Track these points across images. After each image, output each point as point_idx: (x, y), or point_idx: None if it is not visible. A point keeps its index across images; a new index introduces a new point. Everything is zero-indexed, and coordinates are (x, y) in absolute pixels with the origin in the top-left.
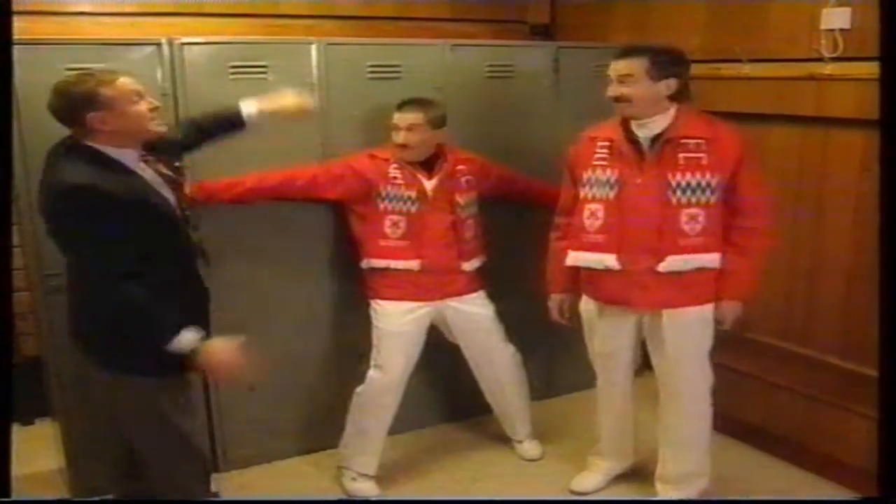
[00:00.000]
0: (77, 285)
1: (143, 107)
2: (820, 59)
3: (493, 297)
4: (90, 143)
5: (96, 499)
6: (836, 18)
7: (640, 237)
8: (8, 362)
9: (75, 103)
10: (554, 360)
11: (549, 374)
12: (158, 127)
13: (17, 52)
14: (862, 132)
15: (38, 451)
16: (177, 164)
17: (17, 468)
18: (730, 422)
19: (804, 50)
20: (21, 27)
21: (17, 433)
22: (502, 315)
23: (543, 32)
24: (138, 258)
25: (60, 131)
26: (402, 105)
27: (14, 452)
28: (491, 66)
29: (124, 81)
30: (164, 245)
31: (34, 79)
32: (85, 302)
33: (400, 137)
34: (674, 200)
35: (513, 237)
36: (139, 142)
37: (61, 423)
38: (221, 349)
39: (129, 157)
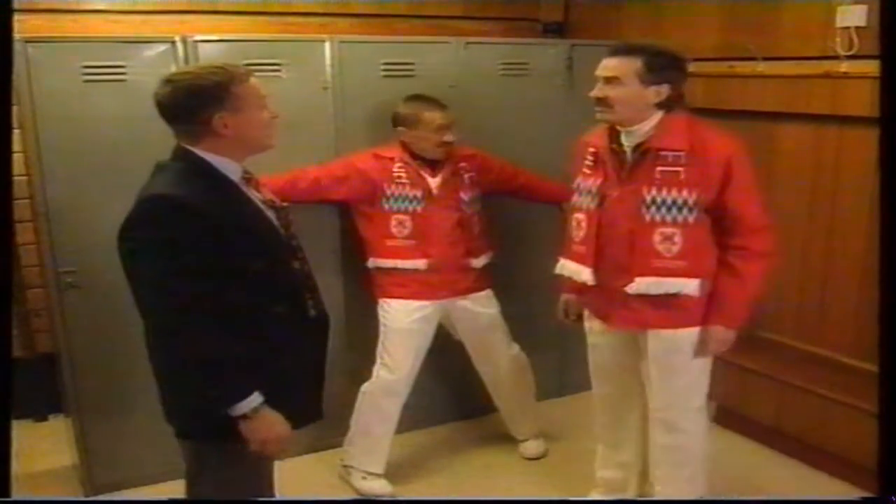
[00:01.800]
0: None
1: (266, 115)
2: (835, 57)
3: (503, 295)
4: (196, 150)
5: (96, 499)
6: (852, 16)
7: (613, 253)
8: (7, 362)
9: (202, 99)
10: (566, 358)
11: (560, 372)
12: (272, 140)
13: (31, 49)
14: (877, 131)
15: (52, 447)
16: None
17: (31, 465)
18: (742, 420)
19: (819, 48)
20: (35, 25)
21: (31, 429)
22: (513, 313)
23: (556, 30)
24: (236, 293)
25: (77, 130)
26: (442, 105)
27: (27, 449)
28: (504, 63)
29: (256, 82)
30: (268, 278)
31: (48, 76)
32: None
33: (450, 135)
34: (647, 218)
35: (523, 235)
36: (249, 155)
37: (74, 419)
38: (275, 423)
39: (235, 171)
